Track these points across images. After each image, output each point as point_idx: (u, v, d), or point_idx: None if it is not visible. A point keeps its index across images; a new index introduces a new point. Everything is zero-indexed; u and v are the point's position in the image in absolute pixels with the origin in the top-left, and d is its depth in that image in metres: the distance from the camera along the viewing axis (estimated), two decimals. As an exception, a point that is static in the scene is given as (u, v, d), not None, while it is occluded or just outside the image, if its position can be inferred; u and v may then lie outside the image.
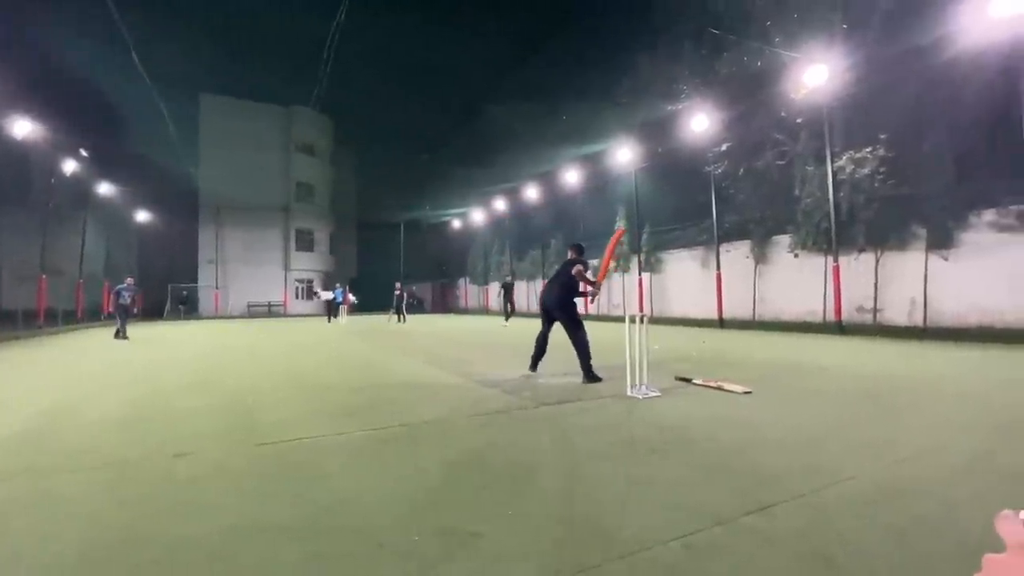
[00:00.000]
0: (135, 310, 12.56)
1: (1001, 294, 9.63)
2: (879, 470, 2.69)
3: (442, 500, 2.40)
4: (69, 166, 18.37)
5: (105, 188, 22.38)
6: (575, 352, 5.52)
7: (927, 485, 2.47)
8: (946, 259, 10.50)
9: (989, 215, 9.94)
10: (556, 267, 6.28)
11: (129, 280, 12.86)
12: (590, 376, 5.42)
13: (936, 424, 3.65)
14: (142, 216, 28.38)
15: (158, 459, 3.02)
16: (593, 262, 18.93)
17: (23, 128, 14.86)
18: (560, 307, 5.69)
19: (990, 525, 0.47)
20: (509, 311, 17.82)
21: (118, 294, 12.33)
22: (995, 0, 8.81)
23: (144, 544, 1.96)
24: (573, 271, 5.62)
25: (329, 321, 20.36)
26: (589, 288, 5.66)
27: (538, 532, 2.05)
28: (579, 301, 5.73)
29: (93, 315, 21.43)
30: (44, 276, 16.39)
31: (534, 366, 6.04)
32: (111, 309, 12.49)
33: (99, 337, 13.72)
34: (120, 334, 12.29)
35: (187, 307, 28.97)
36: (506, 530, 2.07)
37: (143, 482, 2.66)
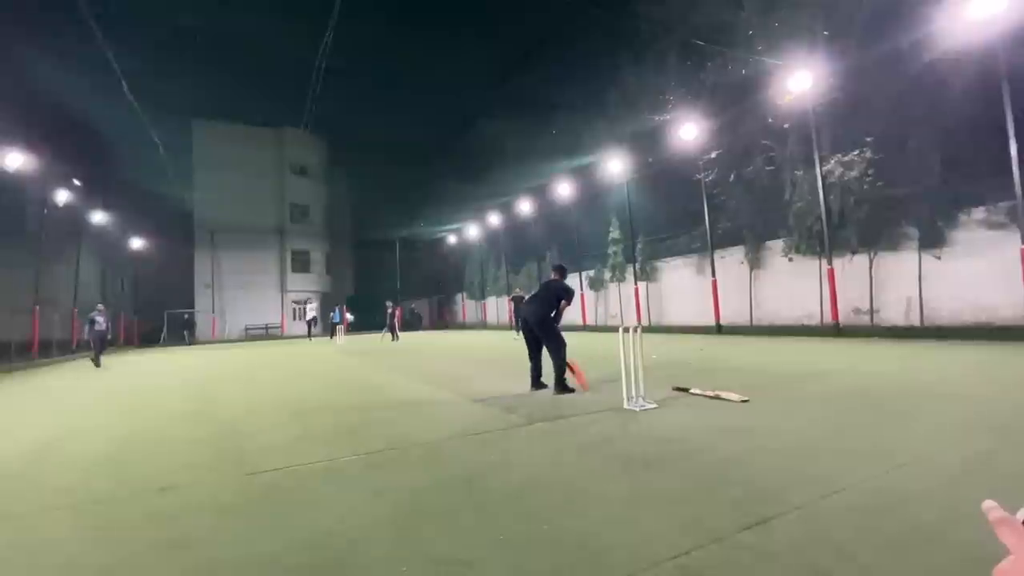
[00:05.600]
0: (109, 336, 12.40)
1: (996, 291, 9.64)
2: (878, 477, 2.64)
3: (434, 527, 2.34)
4: (62, 196, 18.38)
5: (99, 217, 22.40)
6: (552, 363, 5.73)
7: (926, 492, 2.42)
8: (939, 258, 10.53)
9: (979, 213, 9.99)
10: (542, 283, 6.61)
11: (100, 306, 12.74)
12: (562, 387, 5.64)
13: (935, 427, 3.61)
14: (137, 244, 28.37)
15: (143, 494, 2.95)
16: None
17: (15, 160, 14.90)
18: (540, 323, 5.87)
19: (992, 532, 0.44)
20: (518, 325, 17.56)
21: (92, 321, 12.19)
22: (972, 3, 8.97)
23: (122, 586, 1.90)
24: (561, 305, 5.88)
25: (310, 339, 19.94)
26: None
27: (530, 557, 1.99)
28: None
29: (88, 345, 21.28)
30: (37, 307, 16.30)
31: (536, 384, 6.00)
32: (86, 337, 12.28)
33: (93, 368, 13.60)
34: (97, 362, 12.16)
35: (191, 332, 28.81)
36: (498, 557, 2.01)
37: (126, 520, 2.59)
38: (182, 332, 28.34)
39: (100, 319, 12.17)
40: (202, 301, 31.23)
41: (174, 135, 27.13)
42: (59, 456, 3.98)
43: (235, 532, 2.38)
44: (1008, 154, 8.76)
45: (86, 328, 12.20)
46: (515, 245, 27.60)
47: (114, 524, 2.54)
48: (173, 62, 26.58)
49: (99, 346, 12.31)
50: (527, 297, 6.27)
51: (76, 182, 20.19)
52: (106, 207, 22.92)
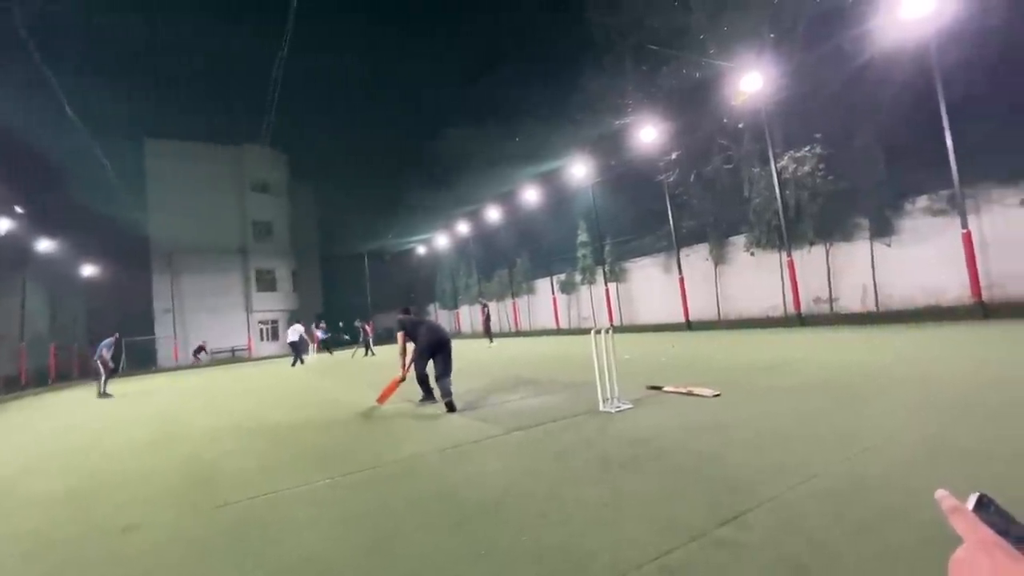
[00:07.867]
0: (111, 366, 12.14)
1: (942, 274, 10.17)
2: (844, 463, 2.74)
3: (412, 545, 2.30)
4: (3, 225, 17.41)
5: (46, 245, 21.29)
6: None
7: (890, 475, 2.52)
8: (889, 245, 11.05)
9: (922, 201, 10.54)
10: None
11: (116, 336, 12.43)
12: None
13: (894, 410, 3.76)
14: (89, 270, 27.06)
15: (103, 535, 2.80)
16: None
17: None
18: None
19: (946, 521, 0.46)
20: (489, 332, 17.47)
21: (105, 349, 11.86)
22: (905, 4, 9.49)
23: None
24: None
25: (294, 364, 17.08)
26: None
27: (512, 570, 1.98)
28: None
29: (40, 380, 20.13)
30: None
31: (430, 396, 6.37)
32: (103, 367, 11.88)
33: (46, 403, 12.90)
34: (103, 392, 11.98)
35: (154, 360, 27.72)
36: (478, 572, 1.99)
37: (84, 565, 2.45)
38: (143, 360, 27.25)
39: (103, 352, 11.94)
40: (162, 327, 30.02)
41: (125, 155, 26.12)
42: (10, 498, 3.74)
43: (209, 568, 2.28)
44: (945, 145, 9.28)
45: (104, 356, 11.88)
46: (485, 252, 27.61)
47: (72, 571, 2.39)
48: (122, 81, 25.68)
49: (108, 375, 12.18)
50: (437, 326, 6.71)
51: (18, 209, 19.15)
52: (54, 234, 21.80)
